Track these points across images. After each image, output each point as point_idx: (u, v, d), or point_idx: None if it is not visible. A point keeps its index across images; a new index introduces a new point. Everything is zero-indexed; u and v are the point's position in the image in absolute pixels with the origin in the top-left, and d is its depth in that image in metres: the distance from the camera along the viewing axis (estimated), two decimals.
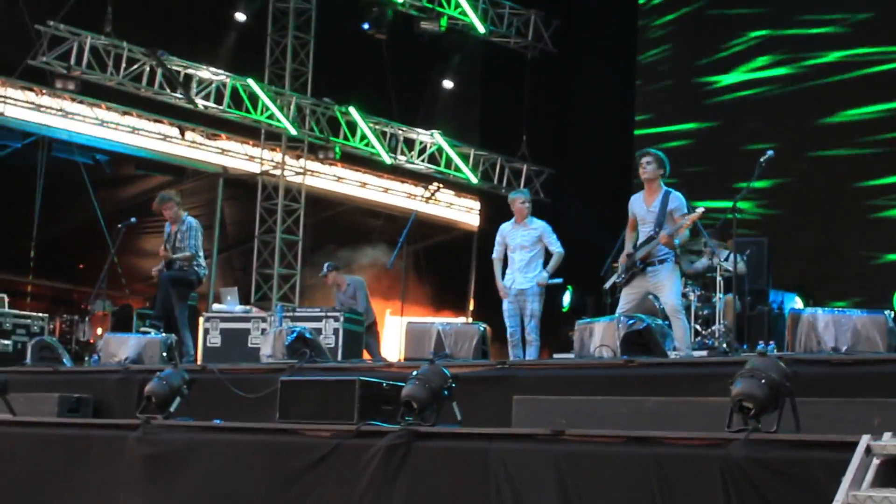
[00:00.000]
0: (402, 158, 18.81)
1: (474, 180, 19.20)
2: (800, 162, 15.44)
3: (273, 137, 18.82)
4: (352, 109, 18.18)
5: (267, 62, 18.48)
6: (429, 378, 6.79)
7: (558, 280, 10.76)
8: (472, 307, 20.02)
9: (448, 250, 21.65)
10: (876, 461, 4.87)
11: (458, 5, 17.90)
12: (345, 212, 21.38)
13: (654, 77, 17.64)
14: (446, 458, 6.44)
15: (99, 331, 15.51)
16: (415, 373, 6.86)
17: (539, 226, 10.72)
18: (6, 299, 13.67)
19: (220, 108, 16.92)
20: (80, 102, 17.29)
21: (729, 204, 9.52)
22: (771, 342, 10.39)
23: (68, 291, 21.34)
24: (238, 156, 19.45)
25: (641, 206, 9.06)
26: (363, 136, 18.39)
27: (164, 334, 10.44)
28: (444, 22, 17.61)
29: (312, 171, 19.76)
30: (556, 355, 11.23)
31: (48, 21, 14.88)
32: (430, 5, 17.46)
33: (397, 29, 17.60)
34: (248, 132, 18.85)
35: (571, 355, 8.79)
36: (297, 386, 7.61)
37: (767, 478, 5.29)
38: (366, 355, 12.85)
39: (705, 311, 11.58)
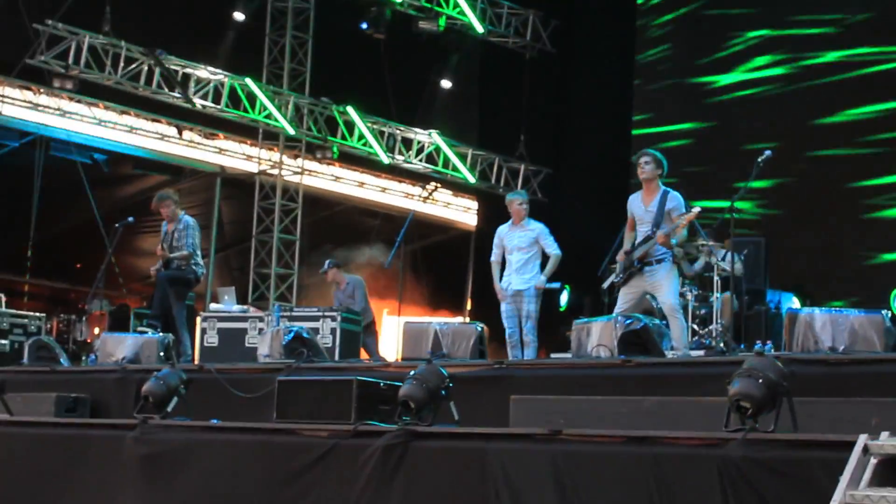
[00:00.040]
0: (399, 158, 18.78)
1: (472, 180, 19.18)
2: (798, 162, 15.43)
3: (271, 137, 18.82)
4: (350, 109, 18.16)
5: (265, 62, 18.48)
6: (426, 378, 6.79)
7: (556, 284, 10.72)
8: (469, 307, 19.97)
9: (445, 250, 21.63)
10: (873, 461, 4.88)
11: (456, 5, 17.86)
12: (342, 211, 21.36)
13: (653, 77, 17.62)
14: (444, 457, 6.44)
15: (96, 330, 15.51)
16: (412, 372, 6.86)
17: (536, 227, 10.70)
18: (3, 299, 13.68)
19: (218, 107, 16.90)
20: (78, 102, 17.27)
21: (727, 204, 9.51)
22: (768, 342, 10.40)
23: (66, 291, 21.29)
24: (236, 155, 19.44)
25: (639, 206, 9.07)
26: (361, 136, 18.37)
27: (161, 334, 10.44)
28: (442, 22, 17.57)
29: (310, 171, 19.75)
30: (553, 355, 11.19)
31: (46, 20, 14.85)
32: (428, 5, 17.42)
33: (395, 28, 17.56)
34: (245, 132, 18.84)
35: (569, 355, 8.80)
36: (295, 386, 7.61)
37: (765, 477, 5.30)
38: (364, 355, 12.83)
39: (703, 311, 11.57)
